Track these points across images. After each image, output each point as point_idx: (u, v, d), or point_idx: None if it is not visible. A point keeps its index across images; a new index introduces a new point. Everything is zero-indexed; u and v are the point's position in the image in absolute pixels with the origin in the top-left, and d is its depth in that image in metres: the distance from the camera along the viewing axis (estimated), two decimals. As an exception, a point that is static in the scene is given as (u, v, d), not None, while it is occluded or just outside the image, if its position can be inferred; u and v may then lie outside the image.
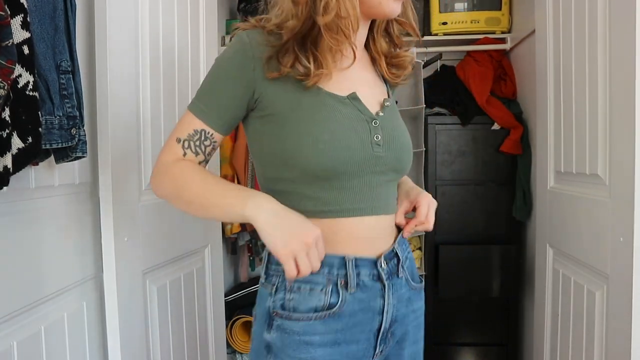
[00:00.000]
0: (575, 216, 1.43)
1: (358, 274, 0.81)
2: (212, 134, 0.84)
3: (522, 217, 2.12)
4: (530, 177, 2.09)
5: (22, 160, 0.85)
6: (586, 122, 1.34)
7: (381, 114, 0.85)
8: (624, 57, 1.13)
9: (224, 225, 2.14)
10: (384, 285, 0.84)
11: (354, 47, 0.80)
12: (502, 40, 2.26)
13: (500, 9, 2.23)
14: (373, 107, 0.85)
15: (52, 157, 1.01)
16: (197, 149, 0.84)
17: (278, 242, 0.72)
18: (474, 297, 2.19)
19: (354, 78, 0.85)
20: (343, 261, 0.80)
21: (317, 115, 0.79)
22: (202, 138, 0.84)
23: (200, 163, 0.86)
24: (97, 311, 1.25)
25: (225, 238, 2.20)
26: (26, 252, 1.01)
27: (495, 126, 2.16)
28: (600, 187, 1.27)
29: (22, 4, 0.83)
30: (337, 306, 0.79)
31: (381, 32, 0.92)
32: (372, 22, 0.90)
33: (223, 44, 2.37)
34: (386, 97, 0.90)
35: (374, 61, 0.94)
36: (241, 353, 2.33)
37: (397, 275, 0.87)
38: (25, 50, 0.84)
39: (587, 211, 1.34)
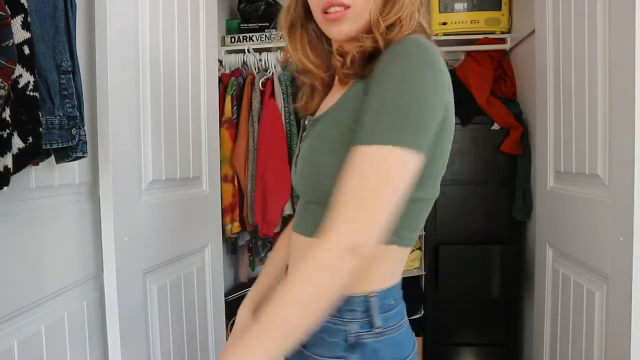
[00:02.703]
0: (575, 216, 1.43)
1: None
2: None
3: (522, 217, 2.12)
4: (530, 177, 2.09)
5: (23, 160, 0.85)
6: (586, 122, 1.34)
7: (307, 131, 0.85)
8: (624, 57, 1.13)
9: (224, 225, 2.14)
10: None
11: (321, 82, 0.87)
12: (502, 41, 2.26)
13: (500, 9, 2.23)
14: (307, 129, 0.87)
15: (52, 157, 1.01)
16: None
17: None
18: (474, 297, 2.19)
19: (327, 98, 0.88)
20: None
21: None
22: None
23: None
24: (97, 311, 1.25)
25: (225, 238, 2.20)
26: (26, 252, 1.01)
27: (495, 126, 2.16)
28: (600, 187, 1.27)
29: (23, 4, 0.83)
30: None
31: None
32: None
33: (223, 44, 2.37)
34: (323, 111, 0.81)
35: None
36: (241, 353, 2.33)
37: None
38: (26, 50, 0.84)
39: (586, 211, 1.34)
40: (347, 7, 0.73)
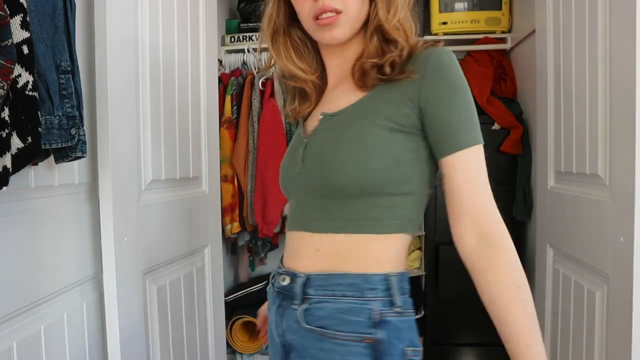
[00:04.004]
0: (575, 216, 1.42)
1: (273, 279, 0.87)
2: None
3: (522, 217, 2.12)
4: (531, 177, 2.09)
5: (22, 160, 0.85)
6: (586, 121, 1.34)
7: (314, 129, 0.84)
8: (625, 57, 1.13)
9: (223, 225, 2.14)
10: (274, 302, 0.85)
11: (310, 87, 0.89)
12: (502, 40, 2.26)
13: (500, 9, 2.23)
14: (313, 125, 0.85)
15: (51, 157, 1.01)
16: None
17: None
18: (474, 297, 2.18)
19: (327, 99, 0.89)
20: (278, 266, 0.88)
21: (290, 146, 0.93)
22: None
23: None
24: (97, 311, 1.24)
25: (225, 238, 2.20)
26: (25, 253, 1.00)
27: (496, 126, 2.16)
28: (601, 187, 1.27)
29: (22, 3, 0.82)
30: (270, 292, 0.88)
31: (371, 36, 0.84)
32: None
33: (223, 44, 2.37)
34: (340, 109, 0.81)
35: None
36: (241, 353, 2.33)
37: (290, 304, 0.80)
38: (25, 50, 0.83)
39: (587, 211, 1.34)
40: (338, 12, 0.77)
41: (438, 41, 0.79)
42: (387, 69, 0.76)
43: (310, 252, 0.80)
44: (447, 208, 0.76)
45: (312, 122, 0.87)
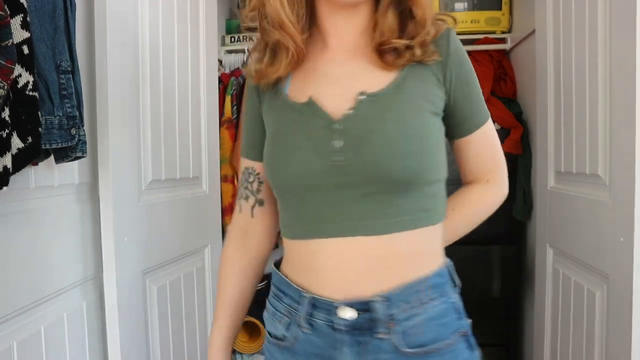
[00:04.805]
0: (575, 216, 1.42)
1: (311, 314, 0.69)
2: (253, 168, 0.84)
3: (522, 217, 2.12)
4: (531, 177, 2.09)
5: (22, 160, 0.85)
6: (586, 121, 1.34)
7: (350, 112, 0.69)
8: (625, 57, 1.13)
9: (223, 225, 2.13)
10: (344, 342, 0.68)
11: (295, 45, 0.72)
12: (502, 40, 2.25)
13: (500, 9, 2.22)
14: (340, 106, 0.69)
15: (51, 157, 1.01)
16: (246, 191, 0.85)
17: None
18: (474, 297, 2.18)
19: (322, 76, 0.74)
20: (299, 295, 0.71)
21: (273, 128, 0.76)
22: (247, 177, 0.85)
23: (253, 207, 0.84)
24: (97, 311, 1.24)
25: (225, 238, 2.20)
26: (26, 252, 1.00)
27: (496, 126, 2.14)
28: (601, 187, 1.27)
29: (22, 3, 0.83)
30: (287, 341, 0.72)
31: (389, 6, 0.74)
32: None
33: (223, 44, 2.37)
34: (377, 88, 0.71)
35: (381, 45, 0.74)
36: (241, 353, 2.33)
37: (373, 335, 0.67)
38: (25, 50, 0.83)
39: (587, 211, 1.34)
40: None
41: (446, 14, 0.80)
42: (418, 51, 0.71)
43: (370, 262, 0.67)
44: (473, 174, 0.84)
45: (329, 100, 0.70)
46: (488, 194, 0.85)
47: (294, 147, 0.71)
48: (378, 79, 0.71)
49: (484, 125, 0.80)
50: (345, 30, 0.74)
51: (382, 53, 0.72)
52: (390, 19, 0.71)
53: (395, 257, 0.68)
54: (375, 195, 0.68)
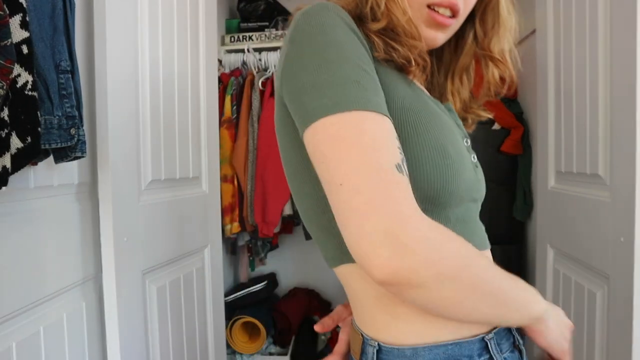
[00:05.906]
0: (576, 216, 1.42)
1: (501, 351, 0.62)
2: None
3: (522, 217, 2.12)
4: (531, 177, 2.09)
5: (21, 160, 0.85)
6: (587, 121, 1.34)
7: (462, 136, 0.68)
8: (625, 57, 1.13)
9: (223, 225, 2.14)
10: (521, 351, 0.68)
11: (421, 59, 0.62)
12: (503, 40, 2.25)
13: (500, 9, 2.22)
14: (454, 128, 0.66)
15: (51, 157, 1.01)
16: (403, 166, 0.51)
17: (566, 343, 0.67)
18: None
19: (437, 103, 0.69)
20: (483, 345, 0.59)
21: (437, 120, 0.59)
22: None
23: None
24: (96, 311, 1.24)
25: (225, 238, 2.20)
26: (25, 252, 1.00)
27: (496, 126, 2.15)
28: (601, 187, 1.27)
29: (21, 3, 0.82)
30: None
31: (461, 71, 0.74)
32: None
33: (222, 43, 2.37)
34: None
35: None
36: (241, 353, 2.33)
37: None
38: (24, 49, 0.83)
39: (587, 211, 1.34)
40: (455, 15, 0.63)
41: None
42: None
43: None
44: None
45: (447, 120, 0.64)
46: None
47: (461, 149, 0.60)
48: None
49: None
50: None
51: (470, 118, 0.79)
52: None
53: None
54: (477, 211, 0.68)
